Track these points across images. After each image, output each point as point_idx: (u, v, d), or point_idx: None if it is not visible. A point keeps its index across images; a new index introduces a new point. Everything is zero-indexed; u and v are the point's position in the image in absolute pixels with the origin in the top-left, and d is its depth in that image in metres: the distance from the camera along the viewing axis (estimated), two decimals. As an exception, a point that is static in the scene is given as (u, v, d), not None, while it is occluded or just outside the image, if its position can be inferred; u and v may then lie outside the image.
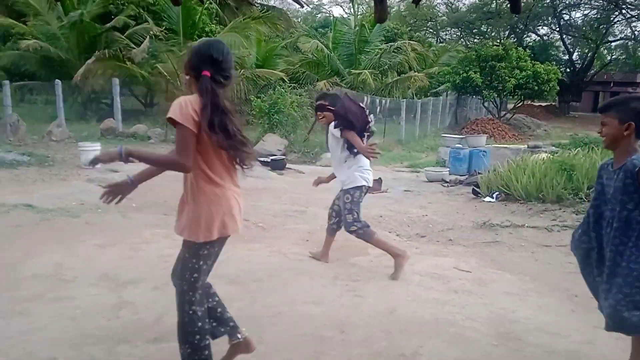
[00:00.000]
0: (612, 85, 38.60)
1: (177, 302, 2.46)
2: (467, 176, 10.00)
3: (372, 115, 4.30)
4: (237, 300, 3.62)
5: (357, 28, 20.67)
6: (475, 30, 34.87)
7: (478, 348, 3.07)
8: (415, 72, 20.92)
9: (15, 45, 16.60)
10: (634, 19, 30.86)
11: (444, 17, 36.80)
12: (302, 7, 35.42)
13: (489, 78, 20.97)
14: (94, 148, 9.12)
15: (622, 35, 34.63)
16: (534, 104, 29.64)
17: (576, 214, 6.42)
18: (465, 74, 20.90)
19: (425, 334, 3.22)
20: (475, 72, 20.78)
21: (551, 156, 8.42)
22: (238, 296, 3.71)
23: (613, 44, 36.18)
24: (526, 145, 13.82)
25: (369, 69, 18.89)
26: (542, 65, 21.52)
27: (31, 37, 16.09)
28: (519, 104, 24.38)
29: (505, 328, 3.34)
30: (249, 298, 3.70)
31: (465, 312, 3.57)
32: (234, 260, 4.37)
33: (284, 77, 16.27)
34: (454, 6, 36.66)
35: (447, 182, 9.88)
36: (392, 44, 20.90)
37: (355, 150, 4.16)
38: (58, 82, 13.66)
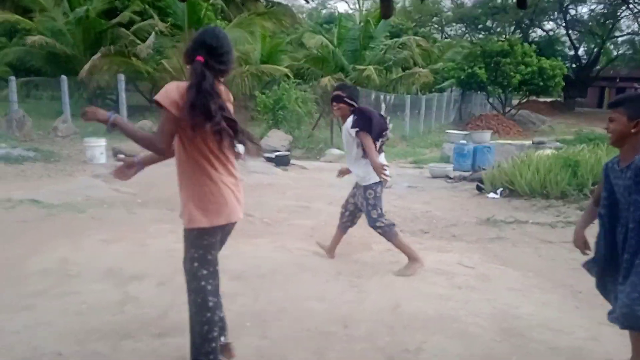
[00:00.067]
0: (618, 80, 38.31)
1: (187, 293, 2.50)
2: (471, 172, 9.97)
3: (390, 124, 4.25)
4: (241, 296, 3.64)
5: (362, 24, 20.59)
6: (481, 25, 34.71)
7: (481, 344, 3.07)
8: (420, 68, 20.84)
9: (21, 41, 16.66)
10: (641, 13, 30.62)
11: (449, 13, 36.64)
12: (308, 2, 35.37)
13: (493, 74, 20.87)
14: (100, 144, 9.17)
15: (629, 30, 34.42)
16: (539, 99, 29.50)
17: (580, 210, 6.39)
18: (470, 70, 20.81)
19: (428, 329, 3.22)
20: (480, 68, 20.68)
21: (556, 152, 8.39)
22: (242, 292, 3.72)
23: (619, 39, 35.93)
24: (531, 141, 13.77)
25: (374, 64, 18.84)
26: (548, 61, 21.38)
27: (37, 33, 16.14)
28: (524, 100, 24.25)
29: (509, 324, 3.34)
30: (253, 294, 3.71)
31: (468, 308, 3.56)
32: (238, 255, 4.38)
33: (289, 73, 16.25)
34: (459, 1, 36.49)
35: (451, 178, 9.86)
36: (397, 39, 20.83)
37: None
38: (64, 77, 13.71)
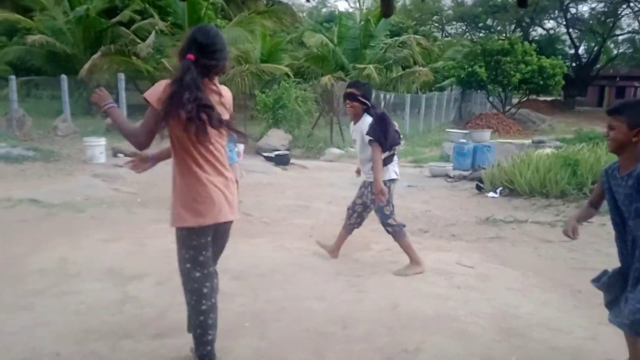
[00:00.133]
0: (618, 79, 38.28)
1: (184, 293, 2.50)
2: (470, 171, 9.96)
3: (403, 141, 4.24)
4: (240, 296, 3.64)
5: (362, 22, 20.58)
6: (481, 24, 34.68)
7: (480, 344, 3.06)
8: (420, 66, 20.81)
9: (22, 40, 16.66)
10: (641, 12, 30.59)
11: (449, 11, 36.60)
12: (308, 1, 35.33)
13: (494, 72, 20.85)
14: (99, 143, 9.17)
15: (630, 29, 34.37)
16: (539, 98, 29.47)
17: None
18: (470, 69, 20.80)
19: (427, 329, 3.22)
20: (480, 67, 20.67)
21: (555, 151, 8.38)
22: (241, 291, 3.72)
23: (620, 37, 35.88)
24: (531, 140, 13.76)
25: (374, 63, 18.83)
26: (548, 60, 21.37)
27: (37, 32, 16.14)
28: (524, 99, 24.23)
29: (508, 324, 3.33)
30: (252, 293, 3.71)
31: (467, 308, 3.56)
32: (238, 255, 4.37)
33: (289, 72, 16.23)
34: (459, 0, 36.45)
35: (450, 177, 9.86)
36: (397, 38, 20.81)
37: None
38: (64, 77, 13.71)
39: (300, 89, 14.62)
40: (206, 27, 2.41)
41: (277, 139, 12.52)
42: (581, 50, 36.29)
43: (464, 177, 9.53)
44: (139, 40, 15.90)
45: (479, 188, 8.02)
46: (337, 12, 28.24)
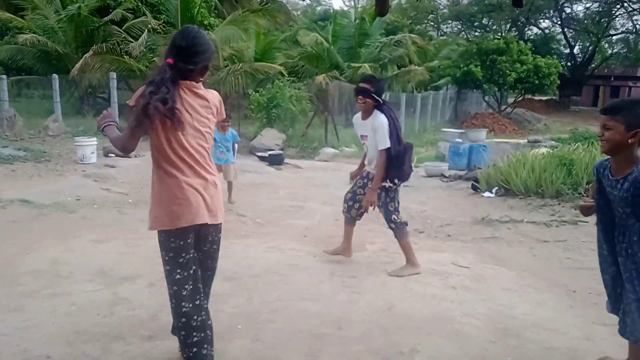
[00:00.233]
0: (612, 79, 38.50)
1: None
2: (466, 171, 9.95)
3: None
4: (234, 297, 3.61)
5: (357, 21, 20.54)
6: (477, 23, 34.73)
7: (476, 344, 3.05)
8: (415, 65, 20.80)
9: (13, 39, 16.49)
10: (635, 12, 30.74)
11: (445, 10, 36.64)
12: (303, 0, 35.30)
13: (489, 72, 20.87)
14: (90, 143, 9.09)
15: (624, 29, 34.53)
16: (535, 98, 29.56)
17: (575, 209, 6.38)
18: (465, 68, 20.81)
19: (423, 330, 3.21)
20: (476, 66, 20.68)
21: (551, 151, 8.38)
22: (235, 293, 3.69)
23: (614, 37, 36.05)
24: (526, 140, 13.77)
25: (369, 62, 18.80)
26: (543, 59, 21.42)
27: (29, 31, 15.99)
28: (520, 98, 24.29)
29: (504, 324, 3.32)
30: (246, 295, 3.68)
31: (463, 308, 3.55)
32: (231, 256, 4.34)
33: (283, 71, 16.16)
34: (455, -1, 36.51)
35: (446, 177, 9.84)
36: (392, 37, 20.77)
37: None
38: (55, 76, 13.60)
39: (295, 88, 14.57)
40: (186, 30, 2.41)
41: (271, 138, 12.46)
42: (576, 50, 36.49)
43: (460, 177, 9.52)
44: (131, 39, 15.76)
45: (474, 188, 8.00)
46: (331, 11, 28.20)
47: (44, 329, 3.06)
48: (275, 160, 10.79)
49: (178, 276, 2.41)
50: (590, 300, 3.71)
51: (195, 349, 2.43)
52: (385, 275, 4.17)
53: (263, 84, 16.02)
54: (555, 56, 26.08)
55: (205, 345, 2.46)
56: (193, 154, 2.38)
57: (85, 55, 14.84)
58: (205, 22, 17.10)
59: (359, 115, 4.25)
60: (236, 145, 6.70)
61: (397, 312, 3.47)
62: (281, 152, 11.62)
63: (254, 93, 13.92)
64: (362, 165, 4.41)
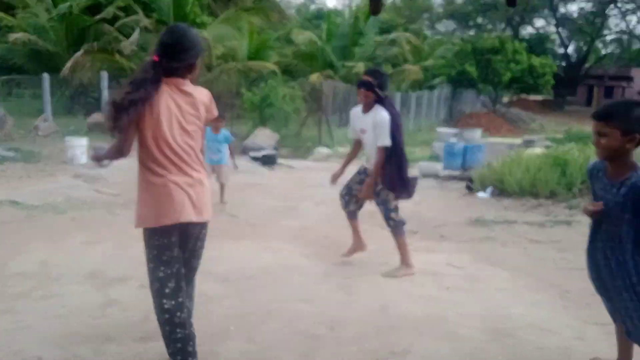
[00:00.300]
0: (606, 79, 38.72)
1: None
2: (461, 171, 9.95)
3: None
4: (227, 298, 3.59)
5: (351, 20, 20.52)
6: (472, 22, 34.83)
7: (470, 345, 3.04)
8: (410, 64, 20.81)
9: (4, 38, 16.35)
10: (629, 12, 30.94)
11: (439, 9, 36.70)
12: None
13: (484, 71, 20.93)
14: (81, 143, 9.00)
15: (617, 29, 34.74)
16: (529, 97, 29.69)
17: (569, 209, 6.40)
18: (460, 67, 20.84)
19: (417, 331, 3.20)
20: (470, 65, 20.74)
21: (545, 151, 8.39)
22: (228, 294, 3.67)
23: (608, 37, 36.31)
24: (521, 140, 13.80)
25: (363, 61, 18.78)
26: (538, 59, 21.50)
27: (20, 30, 15.85)
28: (515, 98, 24.38)
29: (497, 325, 3.32)
30: (239, 296, 3.66)
31: (457, 309, 3.54)
32: (224, 257, 4.32)
33: (276, 70, 16.13)
34: (450, -2, 36.57)
35: (440, 177, 9.84)
36: (386, 36, 20.78)
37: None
38: (45, 75, 13.47)
39: (288, 87, 14.53)
40: (173, 27, 2.42)
41: (264, 138, 12.39)
42: (570, 50, 36.70)
43: (454, 177, 9.51)
44: (122, 38, 15.68)
45: (469, 188, 7.99)
46: (325, 9, 28.18)
47: (36, 331, 3.03)
48: (268, 161, 10.73)
49: (161, 274, 2.40)
50: (583, 300, 3.71)
51: (179, 345, 2.43)
52: (379, 276, 4.15)
53: (256, 83, 15.96)
54: (549, 56, 26.18)
55: (190, 343, 2.46)
56: (179, 152, 2.37)
57: (76, 54, 14.71)
58: (198, 21, 17.01)
59: (358, 108, 4.17)
60: (232, 147, 6.59)
61: (391, 312, 3.46)
62: (274, 152, 11.57)
63: (246, 92, 13.86)
64: (345, 165, 4.35)
